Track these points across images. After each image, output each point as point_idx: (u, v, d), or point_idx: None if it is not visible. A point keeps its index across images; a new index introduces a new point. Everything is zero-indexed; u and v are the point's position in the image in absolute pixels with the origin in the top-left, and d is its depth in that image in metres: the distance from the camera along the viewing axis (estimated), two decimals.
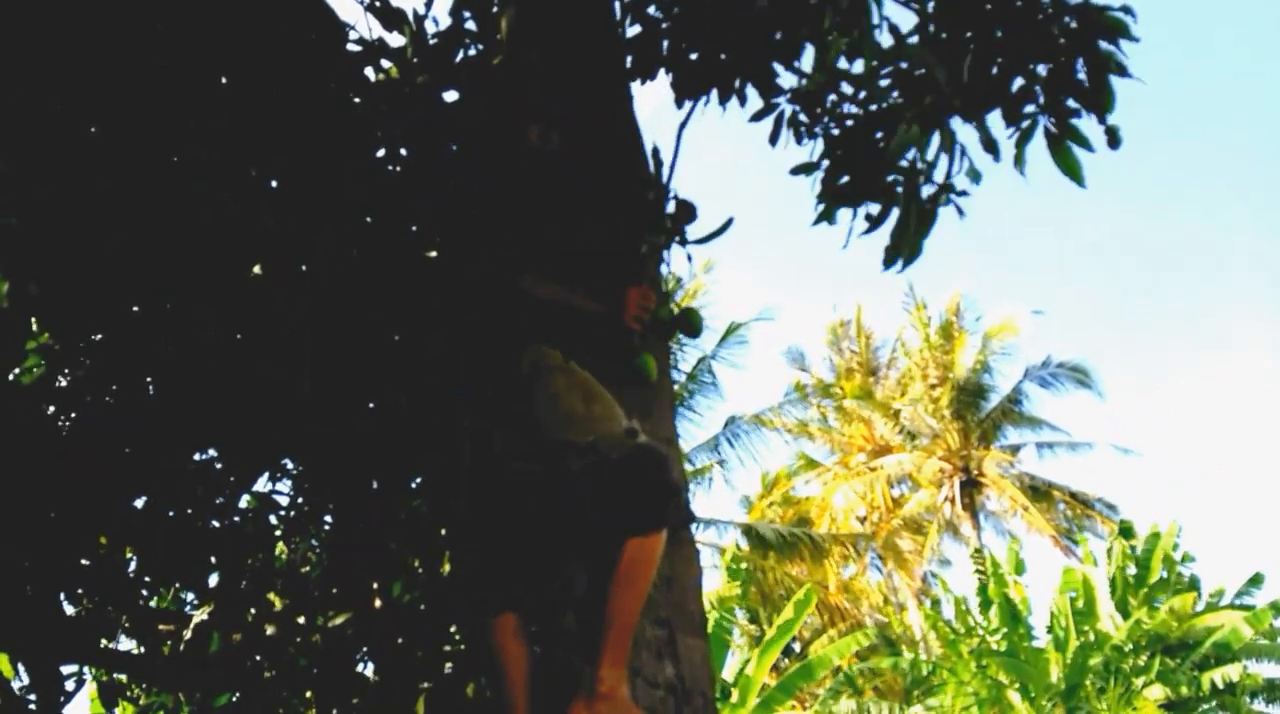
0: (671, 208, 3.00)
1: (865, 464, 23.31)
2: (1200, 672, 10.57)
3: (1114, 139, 3.45)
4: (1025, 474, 22.65)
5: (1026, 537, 21.14)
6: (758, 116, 4.05)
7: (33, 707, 3.89)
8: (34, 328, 3.43)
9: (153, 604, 3.67)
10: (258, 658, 3.93)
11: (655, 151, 3.03)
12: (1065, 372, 21.92)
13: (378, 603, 3.41)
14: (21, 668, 3.79)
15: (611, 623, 2.10)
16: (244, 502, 4.17)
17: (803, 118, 4.04)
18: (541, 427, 2.28)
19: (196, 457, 3.92)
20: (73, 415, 3.21)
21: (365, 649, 3.79)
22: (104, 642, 3.95)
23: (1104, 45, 3.38)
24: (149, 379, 3.50)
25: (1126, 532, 12.51)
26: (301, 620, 3.64)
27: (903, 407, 23.01)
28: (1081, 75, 3.42)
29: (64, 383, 3.43)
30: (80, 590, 3.35)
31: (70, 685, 4.62)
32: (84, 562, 3.09)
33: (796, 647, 19.11)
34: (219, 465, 3.88)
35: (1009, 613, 10.52)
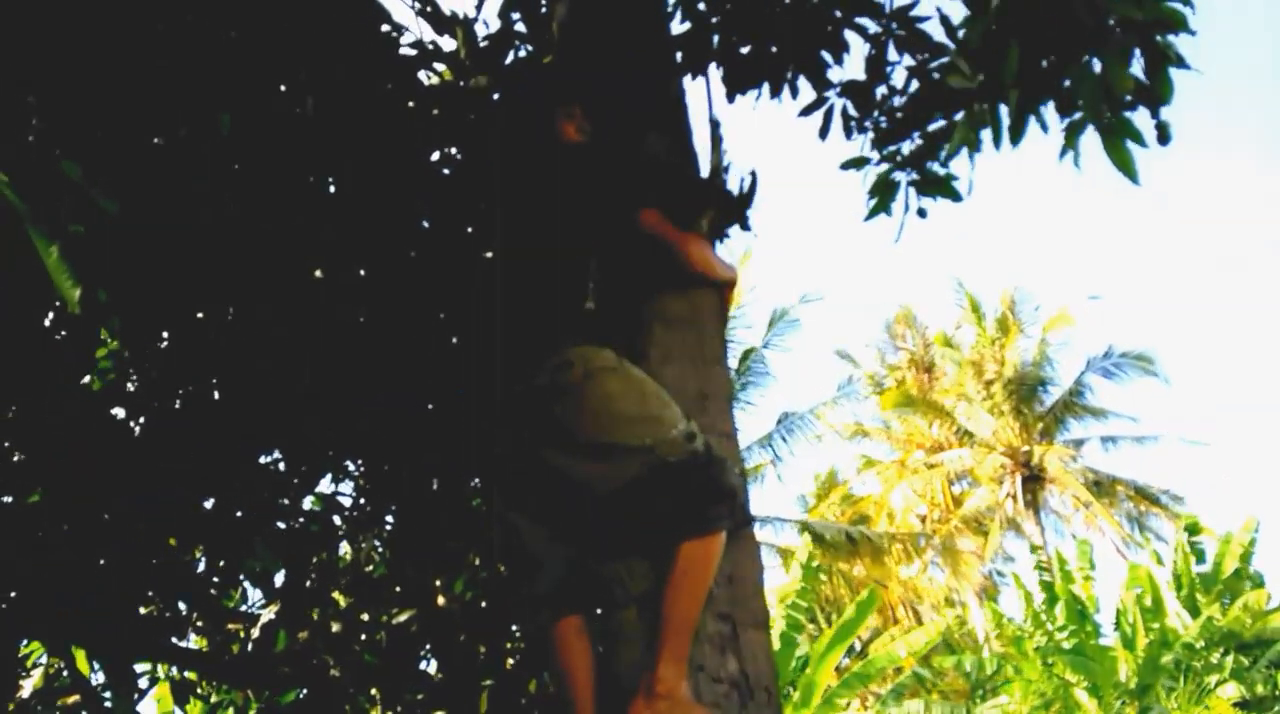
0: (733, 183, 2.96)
1: (924, 461, 23.03)
2: (1276, 670, 10.30)
3: (1164, 134, 3.35)
4: (1088, 468, 22.23)
5: (1087, 534, 20.75)
6: (808, 110, 4.02)
7: (108, 704, 4.00)
8: (103, 336, 3.53)
9: (222, 604, 3.73)
10: (324, 657, 4.00)
11: (715, 124, 2.99)
12: (1128, 360, 21.47)
13: (441, 600, 3.45)
14: (97, 665, 3.90)
15: (669, 622, 2.08)
16: (308, 503, 4.25)
17: (852, 111, 4.01)
18: (595, 429, 2.22)
19: (262, 460, 4.00)
20: (142, 419, 3.28)
21: (428, 647, 3.84)
22: (175, 641, 4.06)
23: (1162, 38, 3.30)
24: (214, 383, 3.58)
25: (1192, 528, 12.22)
26: (366, 618, 3.69)
27: (957, 403, 22.68)
28: (1138, 69, 3.35)
29: (132, 388, 3.52)
30: (152, 590, 3.43)
31: (143, 684, 4.75)
32: (154, 561, 3.15)
33: (856, 646, 18.95)
34: (283, 467, 3.96)
35: (1076, 610, 10.34)
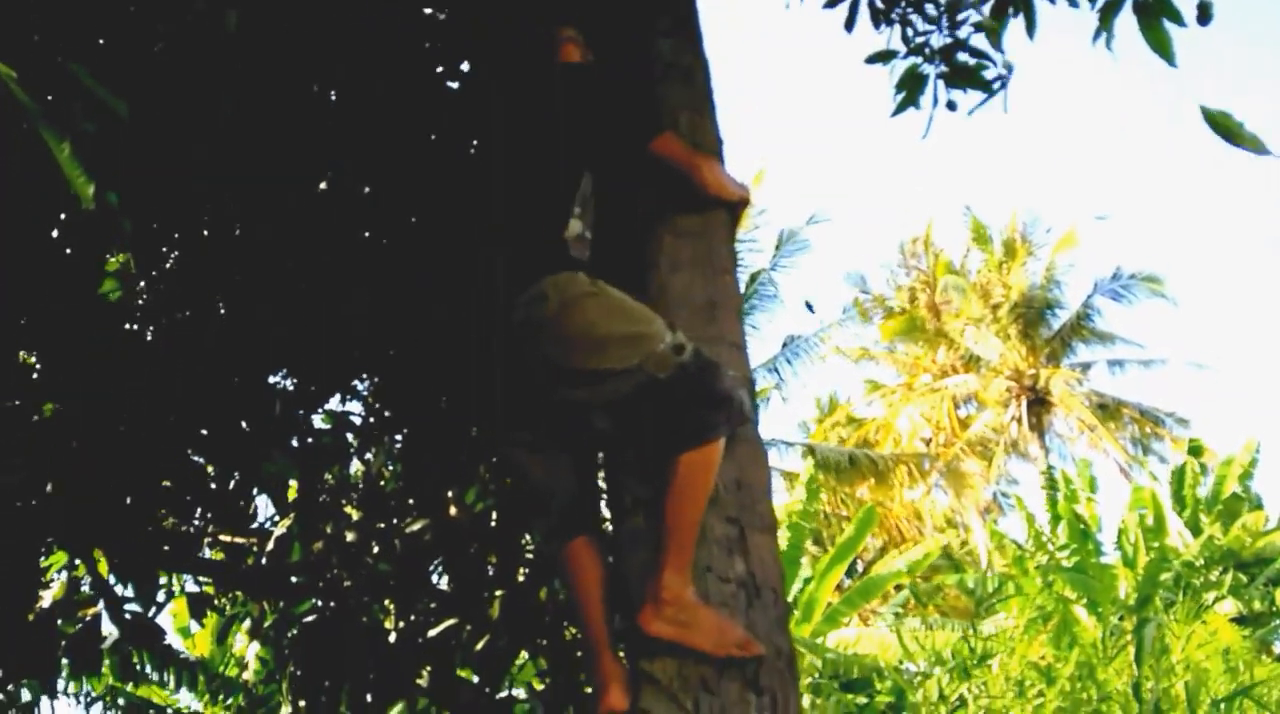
0: None
1: (930, 386, 23.08)
2: (1274, 587, 10.48)
3: (1205, 14, 3.22)
4: (1094, 392, 22.28)
5: (1091, 457, 20.85)
6: (833, 2, 3.93)
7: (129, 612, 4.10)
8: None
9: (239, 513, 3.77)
10: (337, 569, 4.07)
11: None
12: (1137, 282, 21.33)
13: (453, 511, 3.50)
14: (116, 578, 3.97)
15: (671, 531, 2.12)
16: (319, 422, 4.28)
17: (880, 3, 3.91)
18: (581, 356, 2.20)
19: (271, 380, 4.03)
20: (151, 329, 3.29)
21: (440, 559, 3.91)
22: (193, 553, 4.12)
23: None
24: (220, 301, 3.58)
25: (1196, 450, 12.31)
26: (381, 527, 3.75)
27: (965, 326, 22.62)
28: None
29: (141, 304, 3.52)
30: (169, 502, 3.48)
31: (159, 598, 4.83)
32: (171, 472, 3.19)
33: (859, 567, 19.20)
34: (292, 386, 3.98)
35: (1078, 530, 10.48)
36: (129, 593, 4.23)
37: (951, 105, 3.75)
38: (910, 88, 3.78)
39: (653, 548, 2.15)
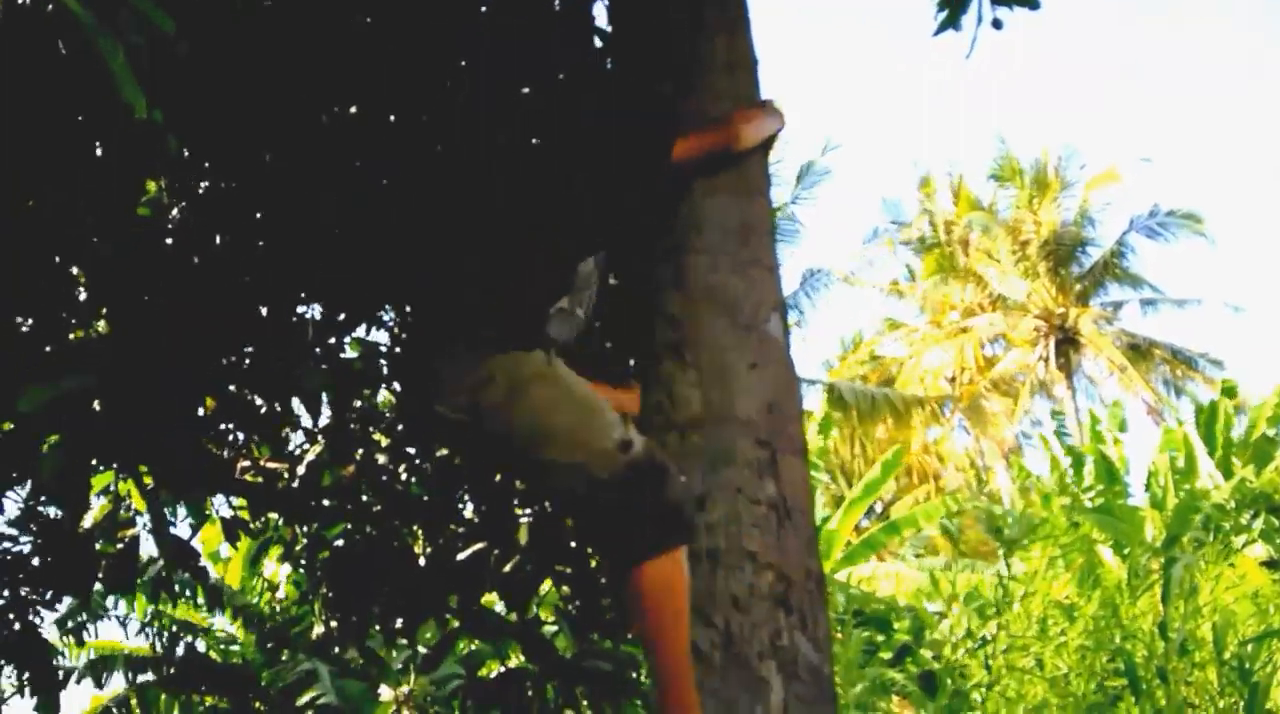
0: None
1: (957, 323, 22.86)
2: None
3: None
4: (1125, 331, 22.01)
5: (1121, 398, 20.68)
6: None
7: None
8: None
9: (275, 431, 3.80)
10: (368, 492, 4.13)
11: None
12: (1175, 219, 20.87)
13: None
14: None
15: (659, 671, 1.94)
16: (347, 352, 4.31)
17: None
18: (527, 446, 2.02)
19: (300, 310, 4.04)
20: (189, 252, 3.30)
21: (469, 485, 3.95)
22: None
23: None
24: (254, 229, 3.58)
25: (1229, 391, 12.17)
26: (411, 451, 3.79)
27: (992, 268, 22.31)
28: None
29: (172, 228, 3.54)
30: (209, 425, 3.52)
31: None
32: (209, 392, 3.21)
33: (878, 508, 19.27)
34: (318, 314, 3.99)
35: (1105, 471, 10.43)
36: (169, 515, 4.32)
37: (997, 24, 3.61)
38: (953, 5, 3.64)
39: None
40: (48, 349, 2.74)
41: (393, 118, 3.50)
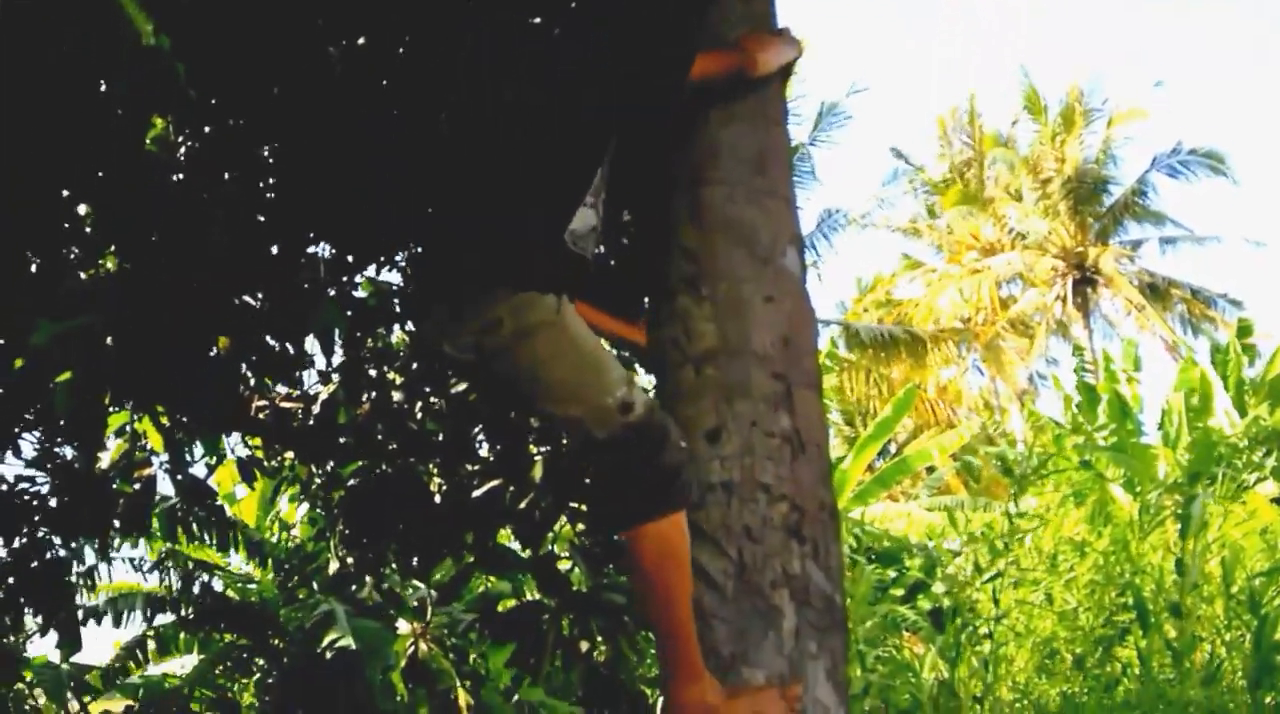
0: None
1: (975, 262, 22.71)
2: None
3: None
4: (1144, 270, 21.86)
5: (1138, 337, 20.58)
6: None
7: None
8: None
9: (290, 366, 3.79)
10: (382, 433, 4.14)
11: None
12: (1197, 158, 20.63)
13: None
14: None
15: (665, 638, 1.92)
16: (359, 293, 4.30)
17: None
18: (529, 394, 2.02)
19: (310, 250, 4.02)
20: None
21: (484, 421, 3.96)
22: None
23: None
24: (264, 172, 3.55)
25: (1245, 330, 12.09)
26: (426, 389, 3.79)
27: (1012, 208, 22.12)
28: None
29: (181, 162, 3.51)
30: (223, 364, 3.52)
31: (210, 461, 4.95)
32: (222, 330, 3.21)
33: (891, 448, 19.32)
34: (331, 255, 3.97)
35: (1119, 409, 10.42)
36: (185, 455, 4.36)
37: None
38: None
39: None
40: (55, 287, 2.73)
41: (401, 48, 3.45)
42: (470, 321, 1.97)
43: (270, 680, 7.63)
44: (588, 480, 2.06)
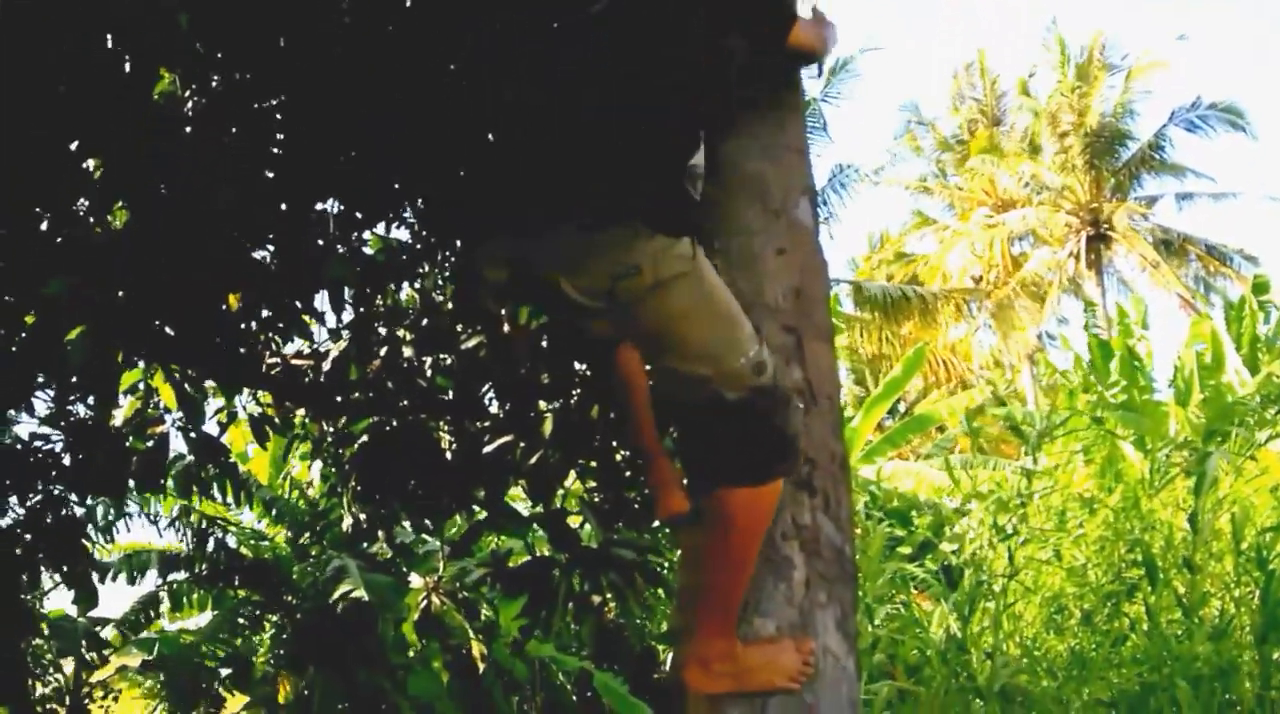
0: None
1: (987, 218, 22.55)
2: None
3: None
4: (1159, 226, 21.68)
5: (1151, 294, 20.48)
6: None
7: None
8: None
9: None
10: (393, 388, 4.14)
11: None
12: (1216, 113, 20.39)
13: (506, 328, 3.52)
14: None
15: (712, 590, 1.92)
16: (368, 250, 4.29)
17: None
18: (656, 350, 1.89)
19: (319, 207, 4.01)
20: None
21: (494, 378, 3.96)
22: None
23: None
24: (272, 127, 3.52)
25: (1261, 286, 11.98)
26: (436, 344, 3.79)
27: (1027, 163, 21.90)
28: None
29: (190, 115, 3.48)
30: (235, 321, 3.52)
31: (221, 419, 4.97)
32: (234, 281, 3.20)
33: (901, 408, 19.32)
34: (338, 209, 3.96)
35: (1130, 367, 10.37)
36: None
37: None
38: None
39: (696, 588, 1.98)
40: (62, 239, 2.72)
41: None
42: (604, 264, 1.77)
43: (285, 635, 7.73)
44: (695, 433, 1.90)
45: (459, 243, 3.60)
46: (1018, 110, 23.39)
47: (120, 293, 2.61)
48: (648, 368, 2.15)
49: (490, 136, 2.19)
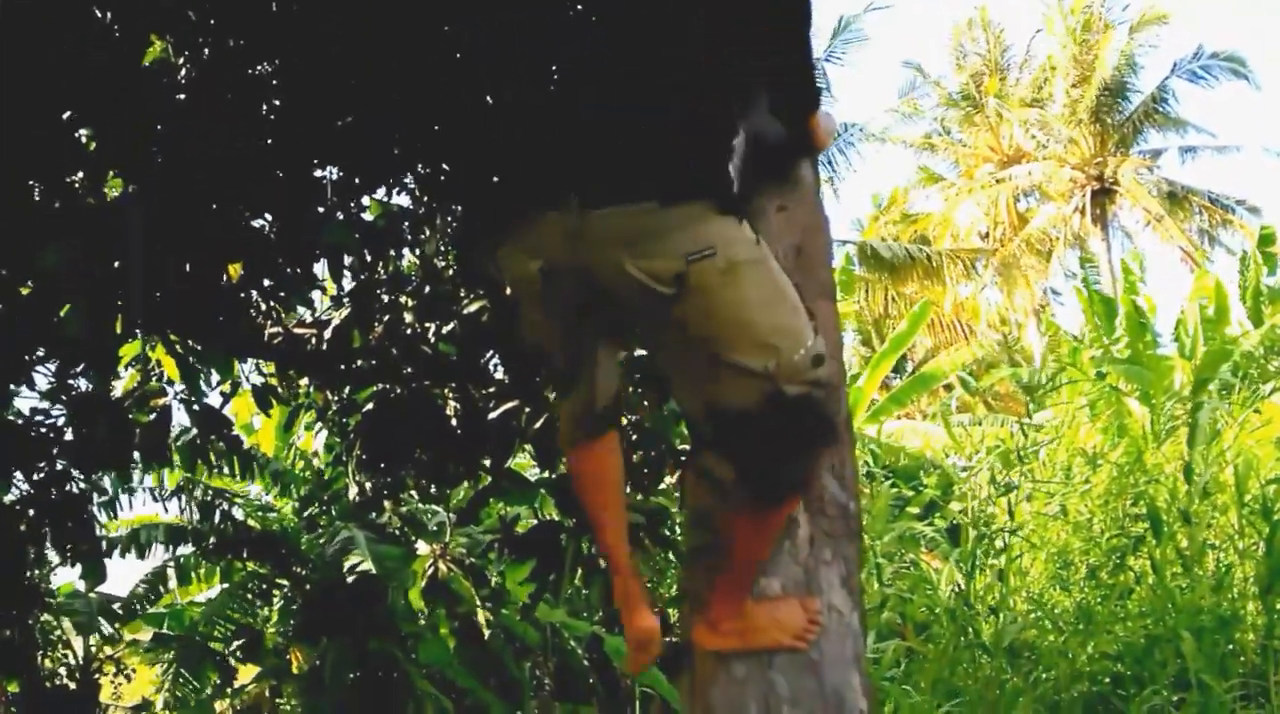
0: None
1: (992, 175, 22.40)
2: None
3: None
4: (1163, 179, 21.55)
5: (1157, 249, 20.40)
6: None
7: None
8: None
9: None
10: (396, 356, 4.13)
11: None
12: (1218, 62, 20.23)
13: (509, 291, 3.48)
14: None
15: (736, 564, 1.92)
16: (368, 217, 4.25)
17: None
18: (715, 343, 1.73)
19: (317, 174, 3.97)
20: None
21: (498, 344, 3.94)
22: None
23: None
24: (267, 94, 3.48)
25: (1267, 238, 11.90)
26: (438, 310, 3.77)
27: (1035, 112, 21.70)
28: None
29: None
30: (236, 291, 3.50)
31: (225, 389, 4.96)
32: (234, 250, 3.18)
33: (908, 367, 19.31)
34: (337, 175, 3.92)
35: (1135, 321, 10.33)
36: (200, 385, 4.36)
37: None
38: None
39: (716, 553, 1.96)
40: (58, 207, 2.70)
41: None
42: (678, 243, 1.67)
43: (294, 607, 7.77)
44: (745, 436, 1.78)
45: (460, 209, 3.55)
46: (1022, 67, 23.20)
47: (117, 264, 2.59)
48: (679, 383, 1.97)
49: (527, 120, 2.07)
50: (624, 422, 4.06)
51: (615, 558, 2.05)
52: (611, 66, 1.85)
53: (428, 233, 3.74)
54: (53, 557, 6.03)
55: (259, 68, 3.18)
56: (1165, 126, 21.83)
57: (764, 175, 2.12)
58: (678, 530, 4.78)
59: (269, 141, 3.37)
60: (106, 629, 7.88)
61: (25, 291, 2.92)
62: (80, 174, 2.88)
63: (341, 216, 3.75)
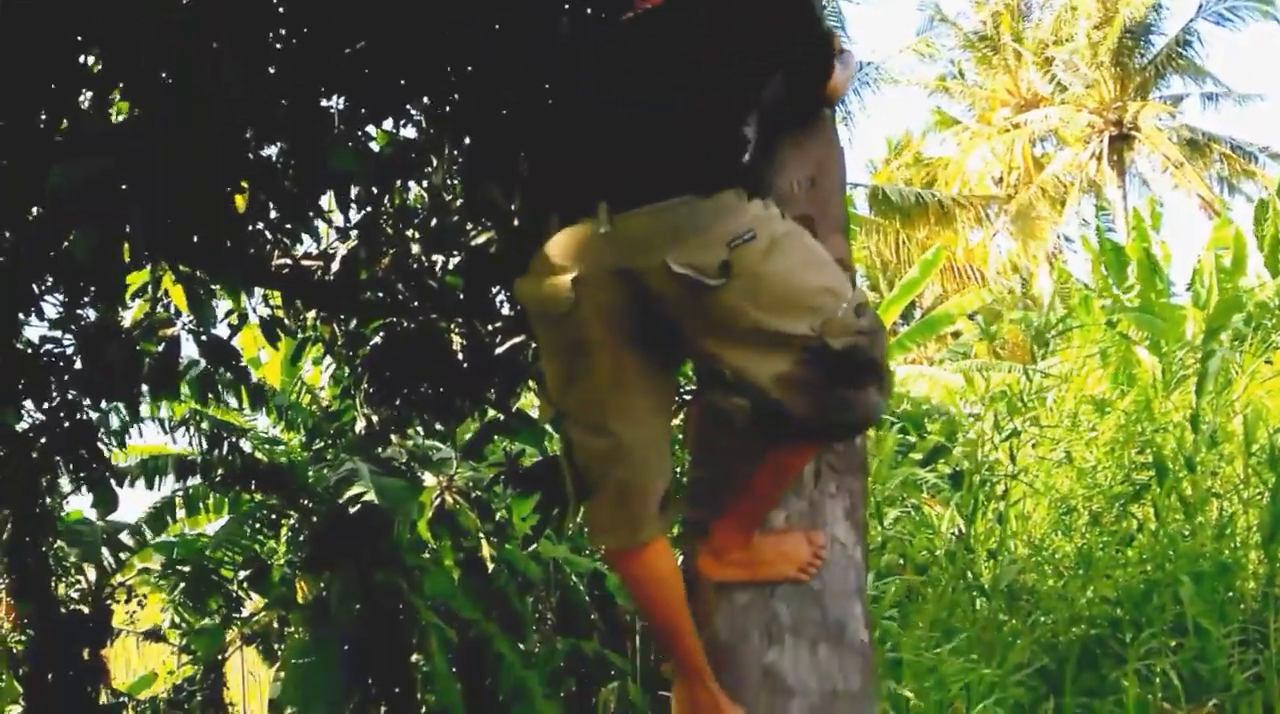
0: None
1: (1009, 119, 22.07)
2: None
3: None
4: (1184, 125, 21.20)
5: (1175, 197, 20.12)
6: None
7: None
8: None
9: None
10: (403, 288, 4.11)
11: None
12: (1246, 3, 19.76)
13: (517, 223, 3.46)
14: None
15: (755, 499, 1.94)
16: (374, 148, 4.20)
17: None
18: (759, 315, 1.72)
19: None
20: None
21: (505, 278, 3.91)
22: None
23: None
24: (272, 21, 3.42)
25: None
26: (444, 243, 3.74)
27: (1057, 54, 21.28)
28: None
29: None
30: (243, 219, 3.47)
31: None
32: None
33: (917, 314, 19.24)
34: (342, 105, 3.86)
35: (1148, 269, 10.23)
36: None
37: None
38: None
39: (723, 485, 1.97)
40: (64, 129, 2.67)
41: None
42: (719, 231, 1.72)
43: (301, 539, 7.85)
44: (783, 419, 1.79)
45: (467, 140, 3.51)
46: (1043, 6, 22.74)
47: (124, 187, 2.56)
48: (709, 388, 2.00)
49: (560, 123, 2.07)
50: None
51: (693, 662, 1.90)
52: (623, 66, 1.92)
53: (435, 164, 3.69)
54: (65, 485, 6.10)
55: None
56: (1188, 72, 21.46)
57: (781, 133, 2.12)
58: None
59: (273, 70, 3.31)
60: (108, 557, 7.96)
61: (32, 218, 2.90)
62: (89, 94, 2.85)
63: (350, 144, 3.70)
